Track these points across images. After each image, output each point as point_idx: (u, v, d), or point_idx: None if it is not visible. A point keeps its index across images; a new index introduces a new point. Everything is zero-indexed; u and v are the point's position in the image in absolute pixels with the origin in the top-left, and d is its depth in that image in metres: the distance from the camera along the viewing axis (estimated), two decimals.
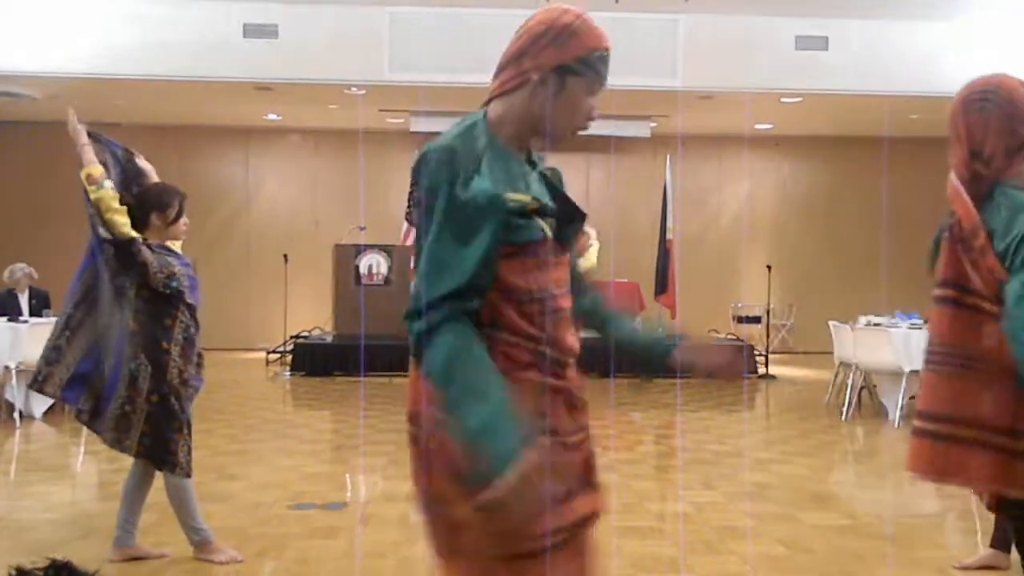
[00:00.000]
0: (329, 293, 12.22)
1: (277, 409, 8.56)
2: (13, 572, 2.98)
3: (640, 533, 4.21)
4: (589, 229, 6.24)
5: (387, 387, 9.70)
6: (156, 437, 3.58)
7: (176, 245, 3.84)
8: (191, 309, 3.68)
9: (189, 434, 3.66)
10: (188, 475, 3.66)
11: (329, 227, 13.49)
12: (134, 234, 3.57)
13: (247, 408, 8.14)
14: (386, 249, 11.59)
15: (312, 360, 10.67)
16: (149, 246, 3.60)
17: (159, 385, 3.57)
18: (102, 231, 3.55)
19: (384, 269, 11.46)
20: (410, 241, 12.21)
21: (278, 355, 11.81)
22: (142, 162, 3.94)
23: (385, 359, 10.66)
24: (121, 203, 3.59)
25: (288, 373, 10.68)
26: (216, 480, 5.14)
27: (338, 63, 10.20)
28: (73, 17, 9.87)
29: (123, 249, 3.55)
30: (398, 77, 10.31)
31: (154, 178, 3.93)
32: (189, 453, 3.66)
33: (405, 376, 8.61)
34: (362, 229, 12.12)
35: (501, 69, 1.95)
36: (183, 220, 3.78)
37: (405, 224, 12.42)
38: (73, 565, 3.09)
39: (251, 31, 10.01)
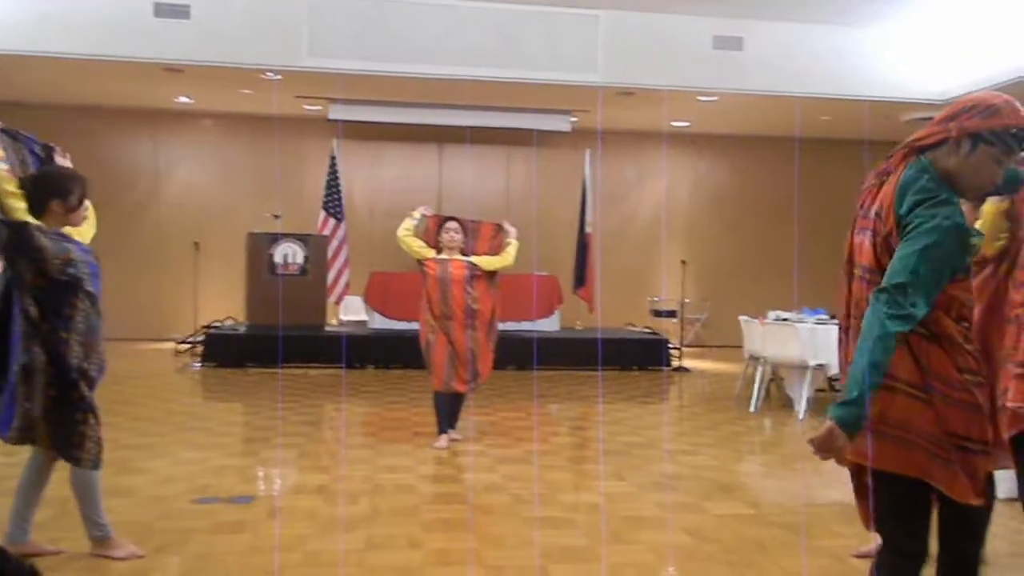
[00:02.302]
0: (242, 282, 11.93)
1: (185, 401, 8.32)
2: None
3: (552, 523, 4.23)
4: (509, 228, 6.26)
5: (302, 379, 9.54)
6: (60, 430, 3.44)
7: (82, 232, 3.69)
8: (92, 298, 3.53)
9: (97, 424, 3.52)
10: (96, 467, 3.53)
11: (242, 215, 13.15)
12: (29, 218, 3.40)
13: (154, 400, 7.89)
14: (302, 238, 11.38)
15: (224, 351, 10.41)
16: (45, 232, 3.44)
17: (58, 377, 3.42)
18: None
19: (300, 259, 11.25)
20: (327, 231, 12.03)
21: (188, 346, 11.50)
22: (62, 159, 3.75)
23: (300, 350, 10.48)
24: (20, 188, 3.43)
25: (198, 364, 10.40)
26: (117, 474, 4.95)
27: (253, 46, 9.94)
28: None
29: (17, 234, 3.38)
30: (316, 64, 10.12)
31: (68, 164, 3.75)
32: (98, 444, 3.52)
33: (320, 368, 8.55)
34: (277, 218, 11.87)
35: (932, 126, 2.29)
36: (84, 207, 3.63)
37: (322, 213, 12.23)
38: (7, 553, 2.94)
39: (162, 10, 9.67)
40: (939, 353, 2.24)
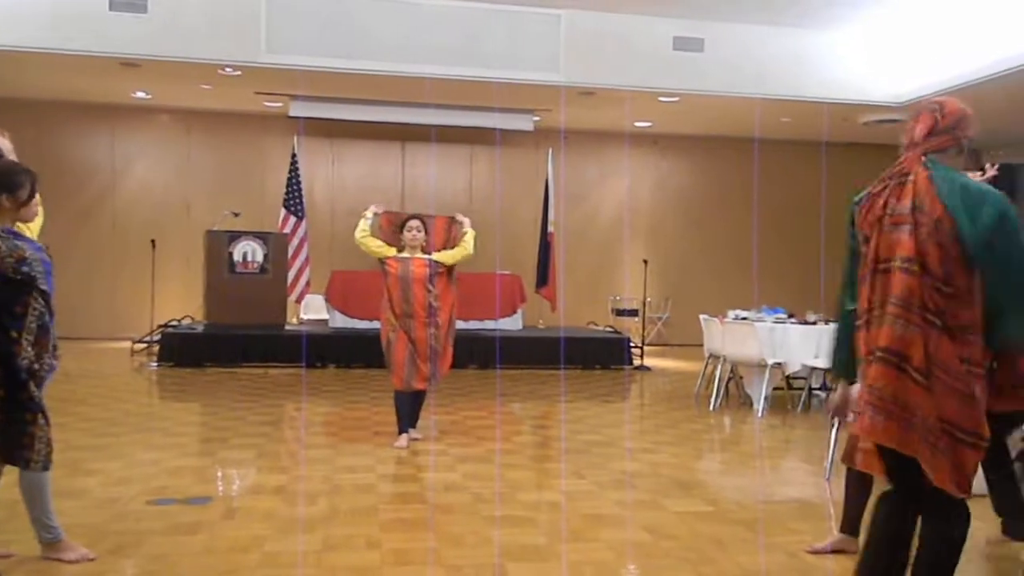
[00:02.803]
0: (200, 281, 11.78)
1: (141, 401, 8.18)
2: None
3: (512, 522, 4.23)
4: (461, 218, 6.27)
5: (261, 378, 9.44)
6: (8, 431, 3.35)
7: (30, 227, 3.61)
8: (45, 296, 3.46)
9: (47, 424, 3.43)
10: (46, 468, 3.44)
11: (201, 212, 13.01)
12: None
13: (108, 400, 7.75)
14: (262, 236, 11.25)
15: (181, 350, 10.26)
16: None
17: (7, 377, 3.34)
18: None
19: (259, 257, 11.12)
20: (287, 229, 11.92)
21: (145, 345, 11.31)
22: (2, 140, 3.66)
23: (259, 349, 10.37)
24: None
25: (155, 364, 10.23)
26: (70, 475, 4.87)
27: (211, 41, 9.82)
28: None
29: None
30: (275, 60, 10.02)
31: (12, 157, 3.66)
32: (48, 445, 3.43)
33: (279, 367, 8.46)
34: (236, 215, 11.74)
35: (939, 133, 2.65)
36: (35, 202, 3.55)
37: (282, 211, 12.12)
38: None
39: (117, 4, 9.52)
40: (947, 344, 2.50)
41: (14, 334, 3.35)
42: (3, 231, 3.40)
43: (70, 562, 3.51)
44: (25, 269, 3.36)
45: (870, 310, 2.65)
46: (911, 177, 2.61)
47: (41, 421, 3.41)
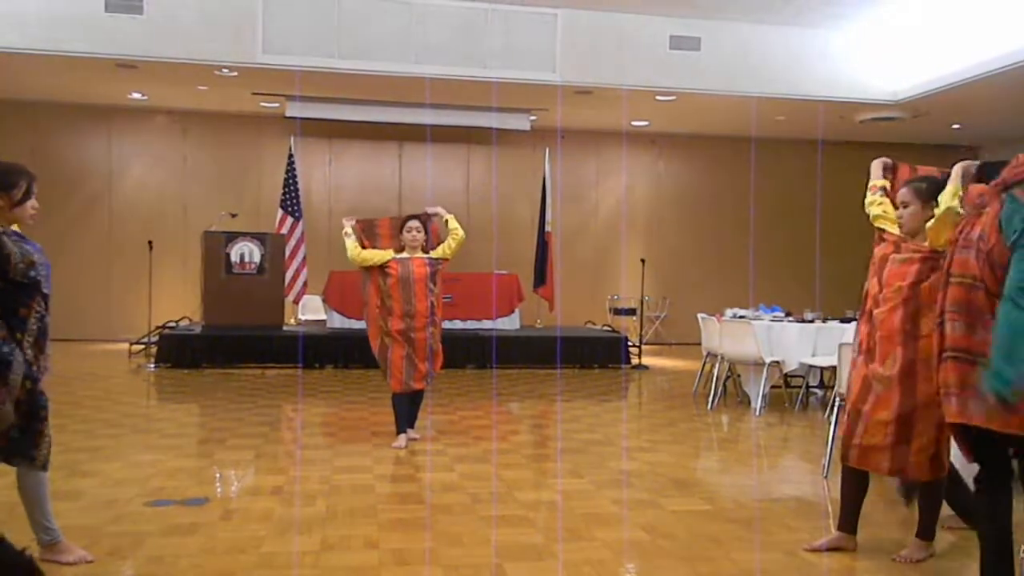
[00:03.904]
0: (197, 282, 11.78)
1: (139, 403, 8.17)
2: None
3: (509, 522, 4.23)
4: (433, 209, 6.24)
5: (259, 379, 9.43)
6: (26, 431, 3.36)
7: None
8: (46, 298, 3.47)
9: (48, 424, 3.44)
10: (45, 468, 3.45)
11: (198, 213, 13.01)
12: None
13: (105, 402, 7.74)
14: (259, 237, 11.24)
15: (179, 352, 10.25)
16: (8, 234, 3.36)
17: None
18: None
19: (257, 258, 11.11)
20: (284, 229, 11.92)
21: (142, 346, 11.31)
22: None
23: (256, 350, 10.37)
24: None
25: (153, 365, 10.23)
26: (67, 477, 4.87)
27: (208, 42, 9.82)
28: None
29: None
30: (271, 60, 10.02)
31: None
32: (49, 445, 3.45)
33: (277, 368, 8.42)
34: (233, 216, 11.73)
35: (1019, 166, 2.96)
36: (31, 203, 3.54)
37: (280, 212, 12.11)
38: (5, 541, 2.86)
39: (114, 5, 9.51)
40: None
41: (18, 336, 3.36)
42: (13, 234, 3.40)
43: (68, 564, 3.51)
44: (33, 274, 3.39)
45: (942, 313, 3.14)
46: (988, 209, 3.01)
47: (45, 418, 3.43)
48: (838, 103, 11.41)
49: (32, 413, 3.38)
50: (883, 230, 3.87)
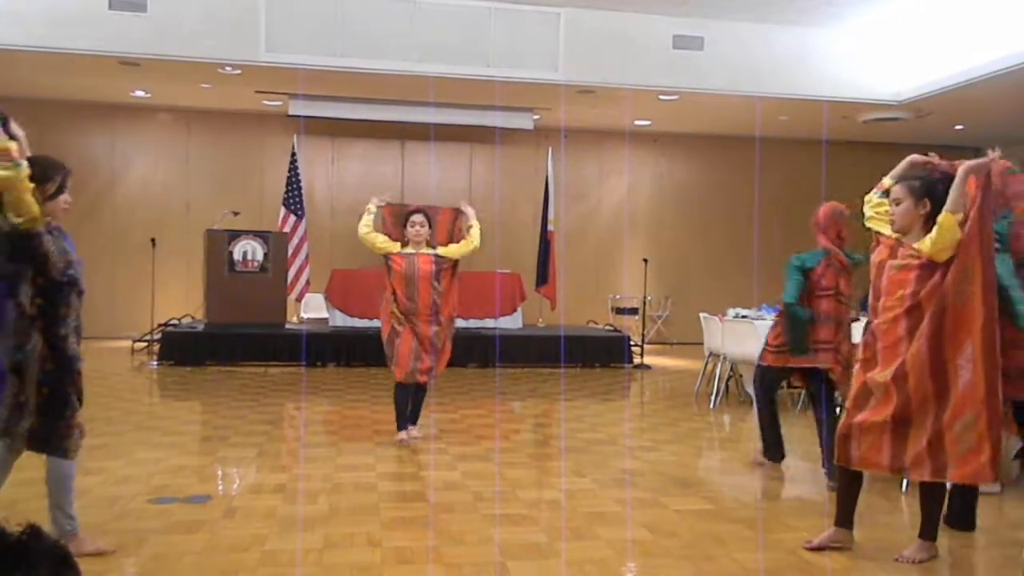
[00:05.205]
0: (200, 280, 11.79)
1: (142, 400, 8.19)
2: None
3: (512, 520, 4.24)
4: (466, 209, 6.18)
5: (261, 377, 9.44)
6: (49, 423, 3.42)
7: None
8: (81, 295, 3.51)
9: (78, 415, 3.52)
10: (74, 458, 3.53)
11: (200, 211, 13.01)
12: (41, 226, 3.33)
13: (109, 399, 7.75)
14: (262, 235, 11.25)
15: (182, 349, 10.27)
16: (48, 232, 3.39)
17: (56, 373, 3.39)
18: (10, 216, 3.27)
19: (259, 256, 11.12)
20: (287, 228, 11.92)
21: (145, 344, 11.32)
22: (15, 128, 3.65)
23: (259, 348, 10.38)
24: None
25: (156, 363, 10.24)
26: None
27: (211, 40, 9.82)
28: None
29: (27, 243, 3.30)
30: (275, 58, 10.02)
31: (25, 146, 3.65)
32: (81, 436, 3.53)
33: (279, 366, 8.41)
34: (236, 214, 11.74)
35: None
36: (64, 197, 3.54)
37: (282, 210, 12.12)
38: (41, 531, 2.89)
39: (117, 3, 9.52)
40: None
41: (63, 331, 3.40)
42: (54, 229, 3.42)
43: (87, 554, 3.51)
44: (71, 272, 3.41)
45: None
46: None
47: (78, 410, 3.47)
48: (841, 103, 11.40)
49: (60, 410, 3.42)
50: (878, 233, 3.85)
